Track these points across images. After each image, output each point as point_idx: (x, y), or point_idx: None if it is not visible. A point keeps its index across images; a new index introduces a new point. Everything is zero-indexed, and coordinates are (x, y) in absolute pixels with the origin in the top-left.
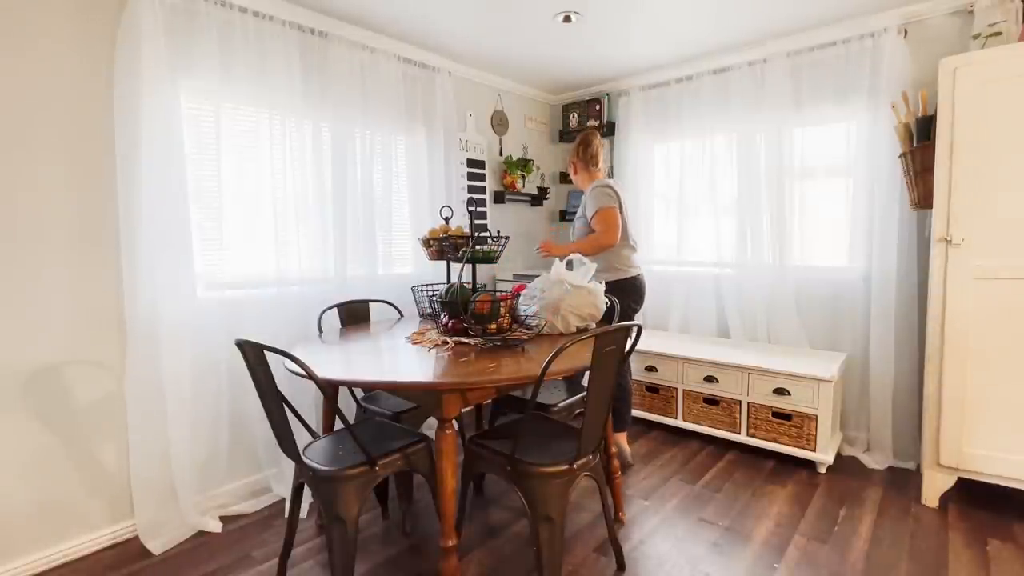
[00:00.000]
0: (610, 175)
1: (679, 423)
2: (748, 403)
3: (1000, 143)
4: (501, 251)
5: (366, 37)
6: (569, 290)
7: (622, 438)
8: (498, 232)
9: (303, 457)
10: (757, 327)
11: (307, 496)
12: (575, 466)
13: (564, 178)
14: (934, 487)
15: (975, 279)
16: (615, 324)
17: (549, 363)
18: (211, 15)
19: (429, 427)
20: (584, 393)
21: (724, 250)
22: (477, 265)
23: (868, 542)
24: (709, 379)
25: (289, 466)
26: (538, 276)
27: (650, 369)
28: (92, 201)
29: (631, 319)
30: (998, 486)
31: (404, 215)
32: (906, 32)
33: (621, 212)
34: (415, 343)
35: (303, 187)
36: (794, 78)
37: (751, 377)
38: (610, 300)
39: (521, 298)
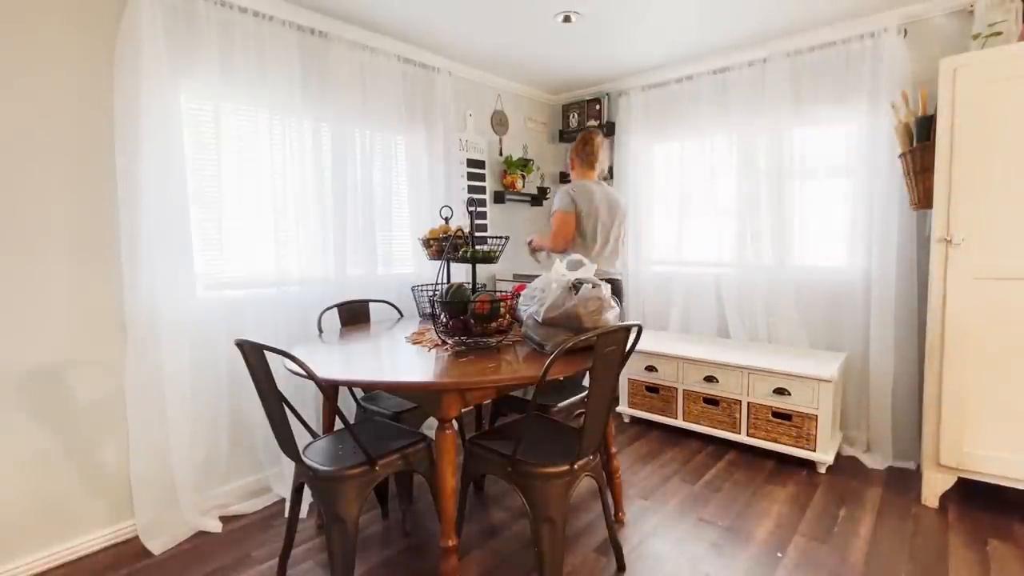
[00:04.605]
0: (609, 175)
1: (679, 423)
2: (748, 403)
3: (1000, 143)
4: (501, 251)
5: (366, 37)
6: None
7: None
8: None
9: (303, 457)
10: (757, 327)
11: (307, 496)
12: (576, 467)
13: (564, 178)
14: (934, 487)
15: (975, 279)
16: (615, 324)
17: (550, 364)
18: (211, 15)
19: (429, 427)
20: (584, 393)
21: (724, 250)
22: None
23: (868, 542)
24: (709, 379)
25: (289, 466)
26: (538, 276)
27: (650, 369)
28: (92, 201)
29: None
30: (998, 486)
31: (404, 215)
32: (906, 32)
33: (580, 217)
34: (415, 343)
35: (303, 187)
36: (794, 78)
37: (751, 377)
38: (617, 301)
39: (521, 298)
